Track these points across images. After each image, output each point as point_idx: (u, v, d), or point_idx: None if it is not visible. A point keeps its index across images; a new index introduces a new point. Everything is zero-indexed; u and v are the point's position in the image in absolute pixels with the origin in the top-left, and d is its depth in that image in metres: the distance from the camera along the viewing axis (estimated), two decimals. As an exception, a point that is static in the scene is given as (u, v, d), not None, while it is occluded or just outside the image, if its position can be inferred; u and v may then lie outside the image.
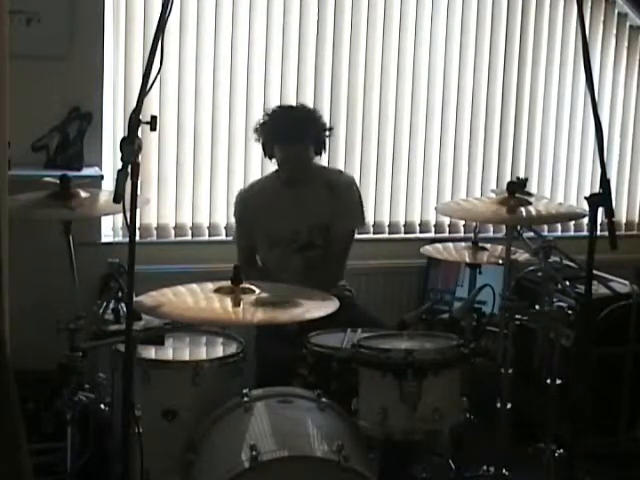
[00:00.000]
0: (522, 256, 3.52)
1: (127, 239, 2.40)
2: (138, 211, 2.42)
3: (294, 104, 4.20)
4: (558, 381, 3.29)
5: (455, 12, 4.73)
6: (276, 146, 3.90)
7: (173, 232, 4.43)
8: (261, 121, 3.98)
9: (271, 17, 4.43)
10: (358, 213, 4.07)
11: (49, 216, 3.21)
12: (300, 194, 3.97)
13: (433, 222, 4.85)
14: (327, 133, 4.01)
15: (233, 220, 4.28)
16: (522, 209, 3.40)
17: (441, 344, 3.07)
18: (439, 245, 3.82)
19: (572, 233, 5.02)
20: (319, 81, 4.56)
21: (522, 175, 4.69)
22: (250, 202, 4.05)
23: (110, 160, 4.20)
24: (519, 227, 3.52)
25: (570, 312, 3.28)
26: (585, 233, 3.78)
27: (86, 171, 4.05)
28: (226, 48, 4.39)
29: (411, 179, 4.78)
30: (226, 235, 4.45)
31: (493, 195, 4.15)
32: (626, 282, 4.24)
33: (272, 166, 4.39)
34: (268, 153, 3.97)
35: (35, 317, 3.41)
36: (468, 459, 3.38)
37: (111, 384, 2.82)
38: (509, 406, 3.33)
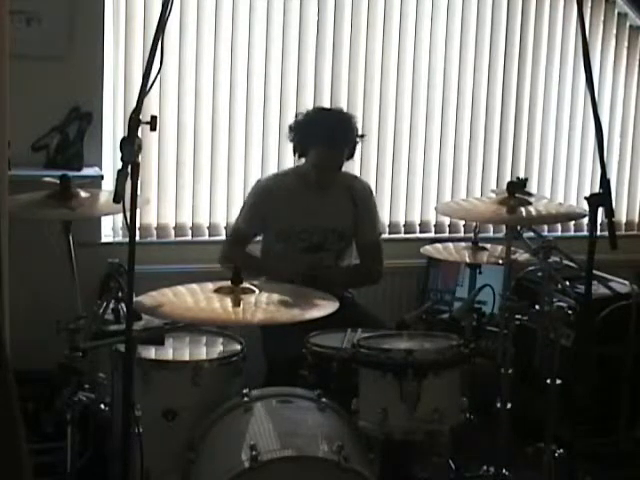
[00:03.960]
0: (522, 256, 3.52)
1: (127, 239, 2.40)
2: (138, 211, 2.42)
3: (334, 107, 4.19)
4: (558, 381, 3.29)
5: (455, 12, 4.73)
6: (313, 149, 3.87)
7: (173, 232, 4.43)
8: (298, 120, 3.95)
9: (271, 17, 4.43)
10: (378, 222, 4.17)
11: (49, 216, 3.20)
12: (321, 195, 3.96)
13: (433, 222, 4.85)
14: (358, 140, 4.00)
15: (233, 220, 4.28)
16: (522, 209, 3.40)
17: (441, 344, 3.07)
18: (439, 245, 3.82)
19: (572, 233, 5.02)
20: (319, 81, 4.55)
21: (522, 175, 4.68)
22: (270, 192, 3.98)
23: (110, 160, 4.20)
24: (519, 227, 3.52)
25: (570, 312, 3.28)
26: (585, 233, 3.78)
27: (86, 171, 4.04)
28: (226, 48, 4.38)
29: (411, 179, 4.78)
30: (226, 235, 4.45)
31: (493, 195, 4.15)
32: (626, 282, 4.24)
33: (273, 166, 4.41)
34: (299, 152, 3.94)
35: (35, 317, 3.41)
36: (468, 459, 3.39)
37: (111, 384, 2.81)
38: (509, 406, 3.33)
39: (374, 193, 4.20)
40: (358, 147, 4.58)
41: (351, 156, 4.00)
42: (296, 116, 4.03)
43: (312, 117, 3.93)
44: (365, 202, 4.06)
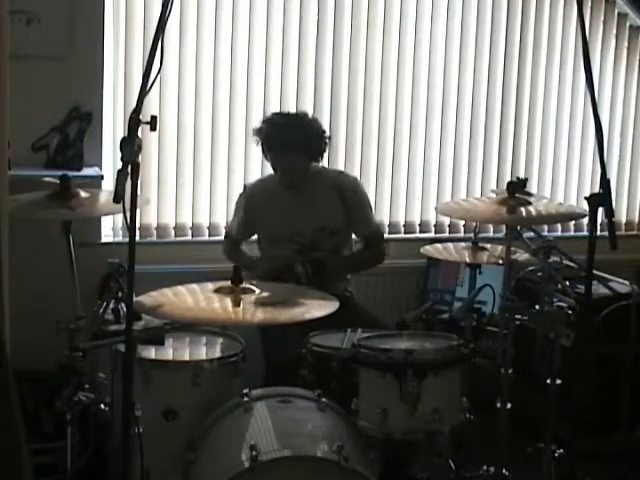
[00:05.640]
0: (522, 256, 3.51)
1: (127, 239, 2.40)
2: (138, 211, 2.42)
3: (291, 111, 4.20)
4: (558, 381, 3.29)
5: (455, 12, 4.73)
6: (268, 153, 3.95)
7: (173, 232, 4.43)
8: (257, 126, 4.00)
9: (271, 17, 4.43)
10: (371, 215, 4.15)
11: (49, 216, 3.20)
12: (305, 196, 3.99)
13: (433, 222, 4.85)
14: (326, 142, 3.99)
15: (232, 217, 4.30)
16: (522, 209, 3.39)
17: (441, 344, 3.07)
18: (439, 245, 3.81)
19: (572, 233, 5.02)
20: (319, 80, 4.56)
21: (522, 175, 4.68)
22: (255, 198, 4.07)
23: (110, 160, 4.20)
24: (519, 227, 3.52)
25: (570, 312, 3.28)
26: (585, 233, 3.79)
27: (86, 171, 4.05)
28: (226, 48, 4.39)
29: (411, 179, 4.79)
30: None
31: (493, 195, 4.15)
32: (626, 282, 4.24)
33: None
34: (264, 156, 4.03)
35: (35, 317, 3.41)
36: (468, 459, 3.38)
37: (111, 384, 2.82)
38: (509, 406, 3.33)
39: (361, 184, 4.18)
40: (358, 148, 4.64)
41: (316, 157, 3.99)
42: (258, 122, 4.05)
43: (266, 123, 3.97)
44: (354, 196, 4.05)
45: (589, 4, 4.93)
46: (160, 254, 4.27)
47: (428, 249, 3.78)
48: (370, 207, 4.16)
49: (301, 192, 3.99)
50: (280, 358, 3.56)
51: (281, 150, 3.90)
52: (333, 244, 4.00)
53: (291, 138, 3.87)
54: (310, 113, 4.14)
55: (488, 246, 3.67)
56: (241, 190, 4.22)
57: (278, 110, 4.29)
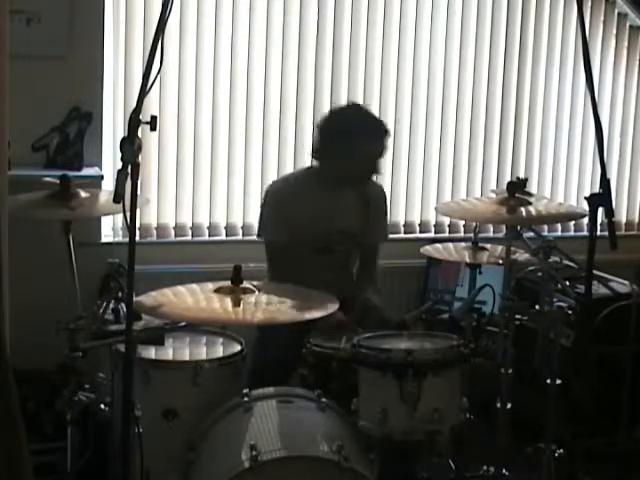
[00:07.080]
0: (522, 256, 3.52)
1: (127, 239, 2.40)
2: (138, 211, 2.42)
3: (352, 102, 4.01)
4: (558, 381, 3.29)
5: (455, 12, 4.73)
6: (357, 146, 3.63)
7: (173, 232, 4.43)
8: (334, 119, 3.74)
9: (271, 17, 4.43)
10: (386, 227, 4.02)
11: (49, 216, 3.20)
12: (333, 197, 3.76)
13: (433, 222, 4.85)
14: None
15: (232, 220, 4.28)
16: (522, 209, 3.40)
17: (441, 344, 3.07)
18: (439, 245, 3.82)
19: (572, 233, 5.02)
20: (319, 81, 4.56)
21: (522, 175, 4.68)
22: (284, 194, 3.77)
23: (110, 160, 4.20)
24: (519, 227, 3.52)
25: (570, 312, 3.28)
26: (585, 233, 3.79)
27: (86, 171, 4.05)
28: (226, 48, 4.39)
29: (411, 179, 4.79)
30: (226, 235, 4.46)
31: (493, 195, 4.15)
32: (626, 282, 4.24)
33: (272, 166, 4.39)
34: (337, 154, 3.66)
35: (35, 317, 3.41)
36: (468, 459, 3.38)
37: (111, 384, 2.82)
38: (509, 406, 3.33)
39: (385, 194, 4.02)
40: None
41: None
42: (326, 117, 3.79)
43: (345, 115, 3.75)
44: (378, 204, 3.91)
45: (589, 4, 4.93)
46: (160, 254, 4.27)
47: (428, 249, 3.78)
48: (385, 226, 4.01)
49: (332, 193, 3.75)
50: (275, 358, 3.55)
51: (380, 135, 3.68)
52: (346, 249, 3.88)
53: (382, 123, 3.73)
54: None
55: (488, 246, 3.68)
56: (267, 189, 3.86)
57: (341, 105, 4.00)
